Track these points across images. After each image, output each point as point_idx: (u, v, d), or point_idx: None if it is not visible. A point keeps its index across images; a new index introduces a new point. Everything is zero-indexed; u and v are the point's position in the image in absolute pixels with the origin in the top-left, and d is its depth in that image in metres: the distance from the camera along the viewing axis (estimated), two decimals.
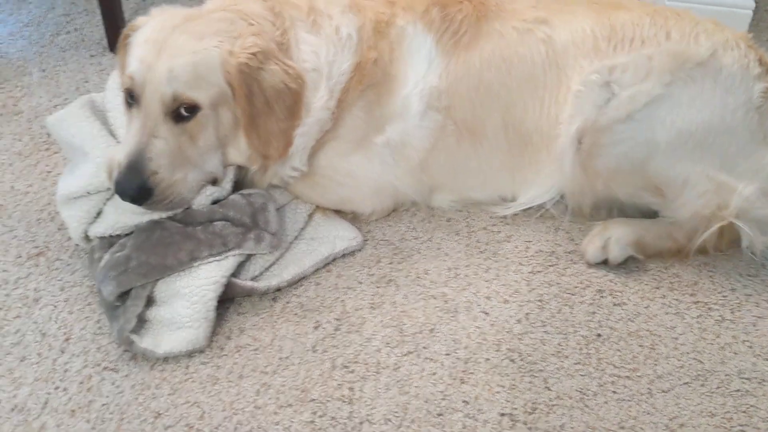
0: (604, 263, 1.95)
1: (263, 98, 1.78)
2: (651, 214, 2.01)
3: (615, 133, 1.87)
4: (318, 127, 1.91)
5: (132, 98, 1.78)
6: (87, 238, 1.87)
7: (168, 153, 1.74)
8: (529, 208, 2.08)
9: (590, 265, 1.95)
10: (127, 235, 1.81)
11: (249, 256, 1.83)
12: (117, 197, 1.77)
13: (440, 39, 1.97)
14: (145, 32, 1.79)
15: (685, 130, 1.84)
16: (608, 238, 1.93)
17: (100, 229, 1.82)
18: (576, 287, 1.90)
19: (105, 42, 2.66)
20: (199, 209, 1.82)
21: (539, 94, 1.95)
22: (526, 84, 1.95)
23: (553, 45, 1.95)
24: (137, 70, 1.73)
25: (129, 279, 1.71)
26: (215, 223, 1.80)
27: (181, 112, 1.74)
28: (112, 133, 1.91)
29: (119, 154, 1.74)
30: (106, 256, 1.76)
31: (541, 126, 1.97)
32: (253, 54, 1.75)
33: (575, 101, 1.91)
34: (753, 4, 2.62)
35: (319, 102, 1.87)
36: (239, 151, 1.87)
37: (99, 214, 1.85)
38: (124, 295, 1.72)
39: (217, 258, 1.75)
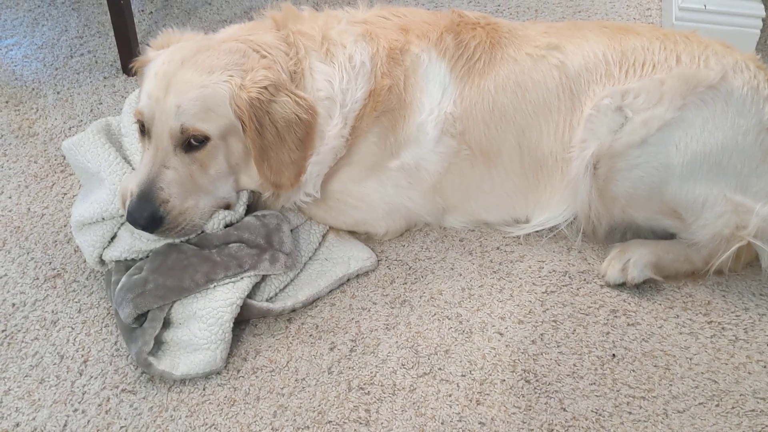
0: (622, 285, 1.95)
1: (274, 130, 1.80)
2: (666, 236, 2.02)
3: (630, 158, 1.89)
4: (332, 155, 1.93)
5: (144, 130, 1.81)
6: (102, 262, 1.88)
7: (178, 182, 1.77)
8: (542, 230, 2.09)
9: (609, 286, 1.96)
10: (143, 258, 1.82)
11: (264, 277, 1.84)
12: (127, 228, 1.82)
13: (454, 66, 1.98)
14: (155, 65, 1.81)
15: (699, 153, 1.86)
16: (627, 260, 1.93)
17: (115, 253, 1.84)
18: (590, 307, 1.91)
19: (118, 64, 2.69)
20: (215, 232, 1.84)
21: (554, 118, 1.97)
22: (541, 109, 1.97)
23: (566, 71, 1.97)
24: (146, 105, 1.77)
25: (146, 301, 1.73)
26: (230, 245, 1.81)
27: (191, 142, 1.77)
28: (126, 159, 1.93)
29: (132, 183, 1.77)
30: (123, 279, 1.77)
31: (555, 150, 1.99)
32: (264, 87, 1.77)
33: (588, 125, 1.92)
34: (760, 24, 2.64)
35: (333, 130, 1.89)
36: (251, 179, 1.89)
37: (113, 238, 1.87)
38: (141, 317, 1.74)
39: (233, 279, 1.76)
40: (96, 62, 2.75)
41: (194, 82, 1.75)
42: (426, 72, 1.97)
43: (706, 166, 1.86)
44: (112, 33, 2.69)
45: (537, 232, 2.08)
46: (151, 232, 1.76)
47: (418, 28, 2.01)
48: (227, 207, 1.89)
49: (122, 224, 1.86)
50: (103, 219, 1.84)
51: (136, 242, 1.82)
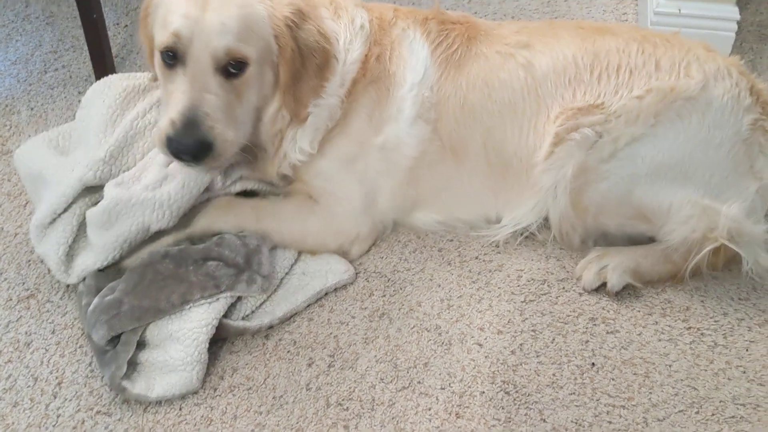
0: (598, 289, 1.95)
1: (300, 56, 1.81)
2: (642, 242, 2.02)
3: (600, 171, 1.90)
4: (328, 113, 1.93)
5: (173, 57, 1.74)
6: (66, 269, 1.86)
7: (222, 108, 1.74)
8: (518, 232, 2.06)
9: (586, 291, 1.95)
10: (116, 278, 1.80)
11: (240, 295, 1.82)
12: (89, 216, 1.80)
13: (435, 50, 1.99)
14: None
15: (665, 163, 1.87)
16: (605, 266, 1.93)
17: (89, 261, 1.82)
18: (569, 316, 1.90)
19: (93, 78, 2.65)
20: (195, 247, 1.83)
21: (518, 121, 1.96)
22: (506, 109, 1.97)
23: (533, 72, 1.95)
24: (184, 25, 1.69)
25: (121, 323, 1.70)
26: (209, 263, 1.80)
27: (230, 68, 1.74)
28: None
29: (170, 112, 1.72)
30: (96, 300, 1.75)
31: (520, 152, 1.98)
32: (295, 10, 1.80)
33: (567, 146, 1.90)
34: (735, 27, 2.65)
35: (333, 86, 1.91)
36: (268, 116, 1.89)
37: (75, 245, 1.86)
38: (114, 339, 1.72)
39: (209, 300, 1.74)
40: (70, 77, 2.72)
41: (232, 1, 1.72)
42: (411, 47, 1.99)
43: (671, 174, 1.87)
44: (86, 47, 2.66)
45: (515, 239, 2.07)
46: (200, 161, 1.73)
47: (406, 9, 2.08)
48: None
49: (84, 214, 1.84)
50: (56, 214, 1.83)
51: (106, 240, 1.79)
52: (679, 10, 2.63)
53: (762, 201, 1.92)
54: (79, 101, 2.55)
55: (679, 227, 1.89)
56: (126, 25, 2.98)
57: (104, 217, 1.77)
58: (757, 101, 1.92)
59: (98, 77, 2.62)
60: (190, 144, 1.70)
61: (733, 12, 2.62)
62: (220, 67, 1.73)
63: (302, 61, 1.82)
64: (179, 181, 1.81)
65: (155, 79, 1.95)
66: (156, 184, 1.81)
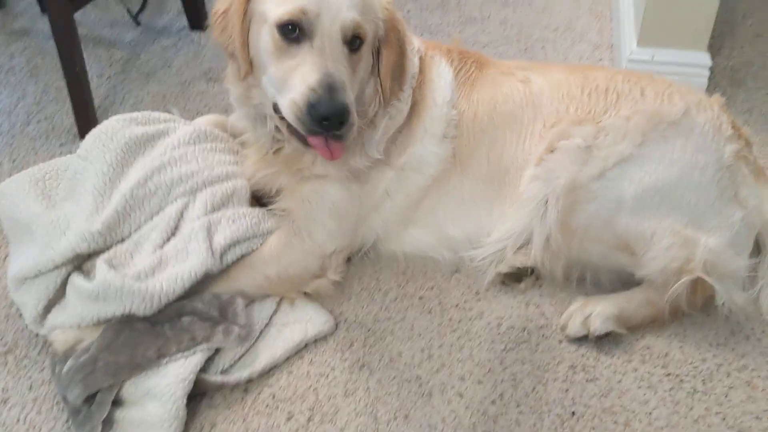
0: (583, 338, 1.96)
1: (398, 41, 1.93)
2: (623, 285, 2.03)
3: (590, 191, 1.93)
4: (401, 118, 2.02)
5: (297, 33, 1.75)
6: (41, 321, 1.85)
7: (349, 81, 1.78)
8: (500, 254, 2.09)
9: (569, 340, 1.96)
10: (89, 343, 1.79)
11: (218, 349, 1.81)
12: (76, 283, 1.79)
13: (457, 74, 2.11)
14: None
15: (651, 187, 1.90)
16: (590, 314, 1.94)
17: (61, 318, 1.82)
18: (549, 363, 1.91)
19: (75, 130, 2.67)
20: (168, 306, 1.81)
21: (517, 128, 2.06)
22: (508, 119, 2.07)
23: (530, 86, 2.09)
24: (309, 1, 1.73)
25: (96, 380, 1.69)
26: (183, 318, 1.79)
27: (353, 41, 1.79)
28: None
29: (306, 83, 1.71)
30: (70, 362, 1.73)
31: (516, 159, 2.06)
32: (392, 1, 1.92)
33: (558, 156, 1.98)
34: (708, 73, 2.71)
35: (405, 93, 2.02)
36: (365, 97, 1.95)
37: (54, 297, 1.85)
38: (90, 399, 1.70)
39: (186, 354, 1.73)
40: (53, 129, 2.74)
41: None
42: (439, 71, 2.09)
43: (658, 199, 1.90)
44: (69, 99, 2.68)
45: (495, 286, 2.08)
46: (341, 128, 1.73)
47: (432, 42, 2.22)
48: None
49: (67, 276, 1.84)
50: (39, 273, 1.83)
51: (86, 308, 1.78)
52: (653, 57, 2.69)
53: (747, 231, 1.96)
54: (61, 153, 2.60)
55: (659, 257, 1.90)
56: (110, 77, 3.01)
57: (92, 295, 1.76)
58: (738, 136, 2.00)
59: (80, 129, 2.65)
60: (338, 106, 1.70)
61: (705, 58, 2.69)
62: (347, 41, 1.78)
63: (399, 47, 1.94)
64: (171, 273, 1.81)
65: (246, 74, 1.90)
66: (149, 271, 1.82)
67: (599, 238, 1.97)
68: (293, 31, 1.75)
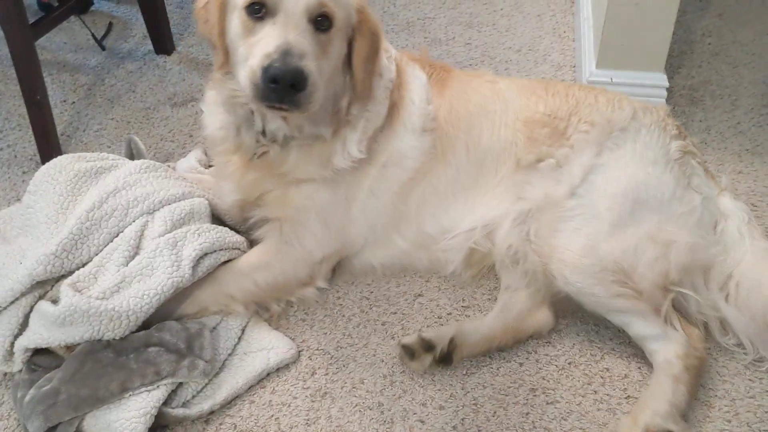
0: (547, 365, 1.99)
1: (371, 34, 1.95)
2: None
3: (565, 208, 2.00)
4: (379, 119, 2.07)
5: (262, 11, 1.78)
6: (10, 357, 1.83)
7: (313, 52, 1.78)
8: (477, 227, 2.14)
9: None
10: (53, 368, 1.78)
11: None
12: (42, 309, 1.78)
13: (429, 77, 2.21)
14: None
15: (619, 193, 1.98)
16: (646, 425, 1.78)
17: (24, 341, 1.80)
18: (509, 387, 1.93)
19: (38, 158, 2.65)
20: (136, 334, 1.82)
21: (491, 117, 2.17)
22: (481, 109, 2.18)
23: (497, 85, 2.24)
24: None
25: (58, 412, 1.68)
26: (149, 349, 1.79)
27: (321, 21, 1.80)
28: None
29: (265, 48, 1.73)
30: (32, 391, 1.73)
31: (493, 147, 2.15)
32: None
33: (535, 174, 2.09)
34: (665, 93, 2.76)
35: (382, 95, 2.07)
36: (335, 87, 1.97)
37: (20, 333, 1.83)
38: (50, 430, 1.69)
39: (149, 388, 1.73)
40: (15, 156, 2.72)
41: None
42: (413, 73, 2.19)
43: (628, 205, 1.97)
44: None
45: (456, 309, 2.10)
46: (296, 94, 1.73)
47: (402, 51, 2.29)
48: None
49: (32, 306, 1.82)
50: (0, 308, 1.81)
51: (52, 334, 1.76)
52: (611, 78, 2.74)
53: (709, 215, 2.05)
54: (24, 181, 2.58)
55: (647, 272, 1.92)
56: (74, 102, 3.00)
57: (58, 320, 1.74)
58: (684, 136, 2.15)
59: (43, 157, 2.63)
60: (291, 69, 1.70)
61: (662, 79, 2.74)
62: (312, 18, 1.79)
63: (371, 40, 1.95)
64: (137, 290, 1.81)
65: (222, 63, 1.93)
66: (114, 289, 1.81)
67: (588, 270, 1.93)
68: (259, 11, 1.79)
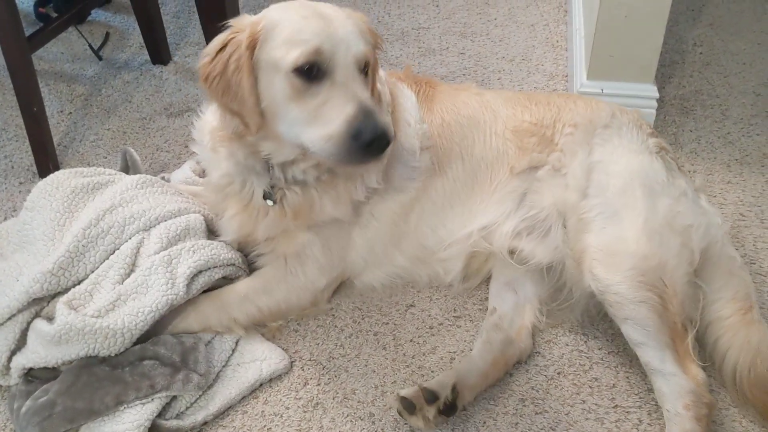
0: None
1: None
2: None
3: (583, 210, 2.04)
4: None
5: (315, 71, 1.75)
6: (7, 372, 1.86)
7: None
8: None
9: None
10: (49, 379, 1.81)
11: None
12: (37, 328, 1.81)
13: (417, 93, 2.25)
14: (291, 19, 1.80)
15: (626, 185, 2.03)
16: None
17: (23, 360, 1.82)
18: (499, 397, 1.95)
19: (35, 168, 2.68)
20: (131, 348, 1.84)
21: (481, 128, 2.22)
22: (471, 121, 2.23)
23: (482, 97, 2.30)
24: (322, 41, 1.75)
25: (53, 425, 1.71)
26: (144, 362, 1.81)
27: (364, 68, 1.83)
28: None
29: (345, 113, 1.72)
30: (28, 402, 1.75)
31: (486, 156, 2.20)
32: None
33: (534, 184, 2.16)
34: (655, 104, 2.79)
35: None
36: None
37: (17, 348, 1.85)
38: None
39: (144, 401, 1.75)
40: (12, 167, 2.75)
41: (342, 15, 1.84)
42: (404, 93, 2.21)
43: (639, 193, 2.01)
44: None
45: (448, 319, 2.13)
46: (385, 147, 1.75)
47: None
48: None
49: (29, 323, 1.85)
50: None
51: (50, 352, 1.79)
52: (602, 89, 2.77)
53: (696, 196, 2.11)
54: (20, 192, 2.61)
55: (679, 264, 1.92)
56: (70, 113, 3.03)
57: (54, 339, 1.77)
58: (656, 135, 2.23)
59: (39, 168, 2.66)
60: (382, 129, 1.72)
61: (652, 90, 2.77)
62: (362, 69, 1.82)
63: (377, 73, 1.98)
64: (132, 307, 1.83)
65: (259, 128, 1.85)
66: (109, 307, 1.83)
67: (619, 266, 1.92)
68: (311, 72, 1.75)
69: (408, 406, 1.82)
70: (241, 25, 1.84)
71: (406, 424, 1.87)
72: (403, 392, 1.84)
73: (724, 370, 1.92)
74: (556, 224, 2.11)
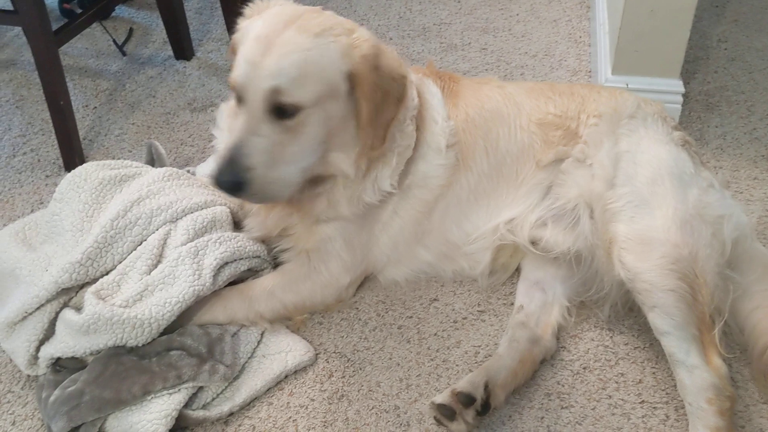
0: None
1: (381, 89, 1.87)
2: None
3: (611, 200, 2.02)
4: (410, 151, 2.08)
5: (239, 98, 1.82)
6: (35, 362, 1.87)
7: (265, 151, 1.79)
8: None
9: None
10: (77, 369, 1.82)
11: None
12: (66, 318, 1.82)
13: (442, 90, 2.23)
14: (255, 29, 1.82)
15: (655, 174, 2.00)
16: None
17: (51, 349, 1.84)
18: (525, 391, 1.94)
19: (60, 162, 2.71)
20: (158, 338, 1.85)
21: (505, 121, 2.21)
22: (495, 114, 2.21)
23: (504, 89, 2.27)
24: (242, 71, 1.79)
25: (81, 413, 1.72)
26: (171, 352, 1.82)
27: (284, 110, 1.78)
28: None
29: (225, 143, 1.81)
30: (57, 392, 1.76)
31: (511, 151, 2.19)
32: (374, 45, 1.86)
33: (566, 176, 2.15)
34: (681, 99, 2.77)
35: (408, 128, 2.06)
36: (343, 153, 1.95)
37: (45, 337, 1.87)
38: (74, 430, 1.73)
39: (170, 391, 1.76)
40: (38, 161, 2.77)
41: (299, 44, 1.77)
42: (430, 90, 2.19)
43: (668, 182, 1.99)
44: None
45: (471, 314, 2.12)
46: (233, 196, 1.85)
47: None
48: (316, 180, 1.98)
49: (57, 313, 1.86)
50: (27, 314, 1.85)
51: (78, 342, 1.81)
52: (627, 84, 2.75)
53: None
54: (47, 185, 2.64)
55: (710, 255, 1.89)
56: (95, 107, 3.06)
57: (83, 328, 1.79)
58: (679, 129, 2.22)
59: (66, 162, 2.69)
60: (224, 182, 1.79)
61: (678, 85, 2.75)
62: (271, 109, 1.79)
63: (383, 94, 1.88)
64: (159, 298, 1.84)
65: None
66: (136, 297, 1.85)
67: (650, 255, 1.90)
68: (239, 98, 1.84)
69: (447, 413, 1.81)
70: (245, 17, 1.93)
71: (430, 418, 1.87)
72: (438, 399, 1.82)
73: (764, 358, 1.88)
74: (583, 215, 2.09)
